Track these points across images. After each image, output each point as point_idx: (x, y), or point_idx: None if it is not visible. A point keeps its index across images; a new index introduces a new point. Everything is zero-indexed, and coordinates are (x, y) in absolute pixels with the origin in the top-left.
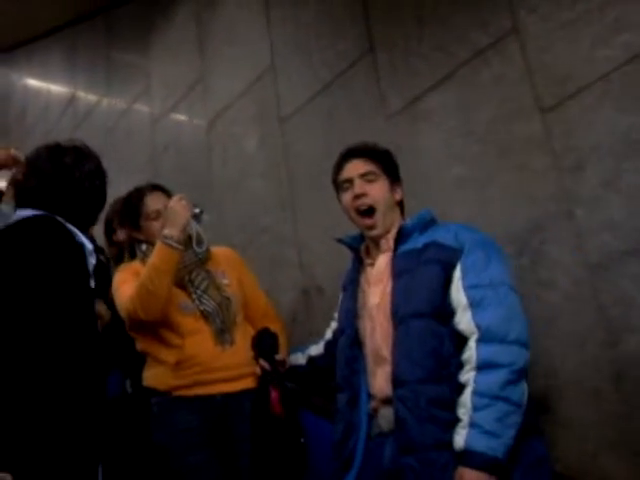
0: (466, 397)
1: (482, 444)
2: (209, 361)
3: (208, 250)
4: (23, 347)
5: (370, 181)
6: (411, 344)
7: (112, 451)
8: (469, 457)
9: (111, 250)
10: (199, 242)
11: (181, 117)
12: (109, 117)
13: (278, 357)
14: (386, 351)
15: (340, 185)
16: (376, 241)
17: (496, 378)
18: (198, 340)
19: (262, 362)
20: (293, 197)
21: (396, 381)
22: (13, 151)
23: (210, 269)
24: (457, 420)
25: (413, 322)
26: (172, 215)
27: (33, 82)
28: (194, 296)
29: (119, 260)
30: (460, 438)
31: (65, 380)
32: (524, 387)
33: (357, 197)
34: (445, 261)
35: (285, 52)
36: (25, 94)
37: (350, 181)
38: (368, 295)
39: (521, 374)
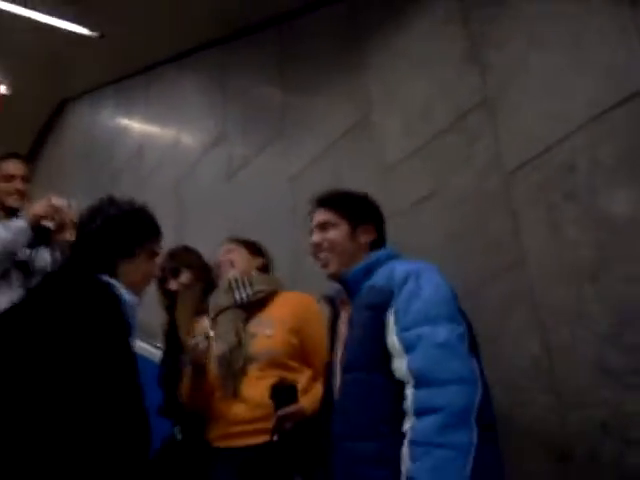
0: (404, 448)
1: None
2: (220, 412)
3: (261, 294)
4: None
5: (325, 229)
6: (344, 400)
7: None
8: None
9: (163, 299)
10: (237, 287)
11: None
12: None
13: (281, 411)
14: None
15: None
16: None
17: (432, 423)
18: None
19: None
20: None
21: (334, 437)
22: (54, 200)
23: (257, 314)
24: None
25: (346, 377)
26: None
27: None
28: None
29: (170, 309)
30: None
31: (113, 439)
32: (468, 427)
33: (314, 246)
34: (377, 305)
35: None
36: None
37: (312, 230)
38: (336, 350)
39: (464, 415)
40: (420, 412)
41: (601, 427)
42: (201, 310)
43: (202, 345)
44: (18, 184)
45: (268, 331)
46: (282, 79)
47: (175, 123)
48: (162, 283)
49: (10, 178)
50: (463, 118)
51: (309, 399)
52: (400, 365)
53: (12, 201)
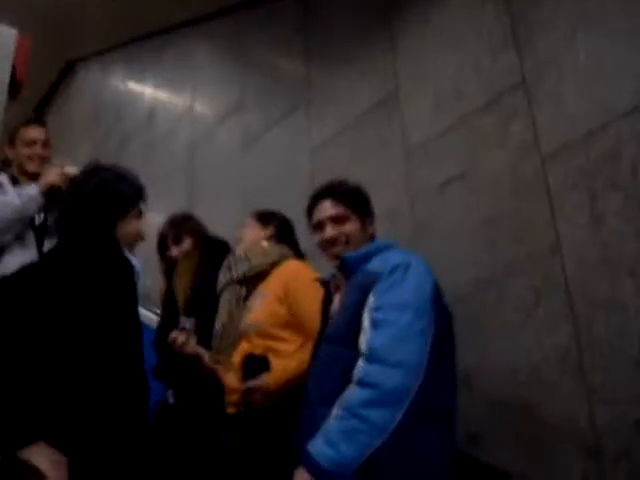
0: (334, 408)
1: (316, 448)
2: (223, 382)
3: (258, 268)
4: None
5: (340, 223)
6: (317, 366)
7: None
8: (305, 457)
9: (162, 264)
10: (235, 263)
11: None
12: None
13: (245, 384)
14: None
15: (314, 227)
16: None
17: (359, 395)
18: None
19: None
20: None
21: (307, 398)
22: (66, 168)
23: (257, 287)
24: None
25: (323, 346)
26: None
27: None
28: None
29: (169, 274)
30: (311, 441)
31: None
32: (392, 412)
33: (329, 240)
34: (365, 286)
35: None
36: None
37: (321, 223)
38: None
39: (391, 397)
40: (358, 382)
41: (635, 424)
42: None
43: (180, 339)
44: (38, 149)
45: (258, 303)
46: (305, 50)
47: (189, 90)
48: (163, 249)
49: (31, 143)
50: (498, 98)
51: (277, 373)
52: (363, 339)
53: (33, 166)
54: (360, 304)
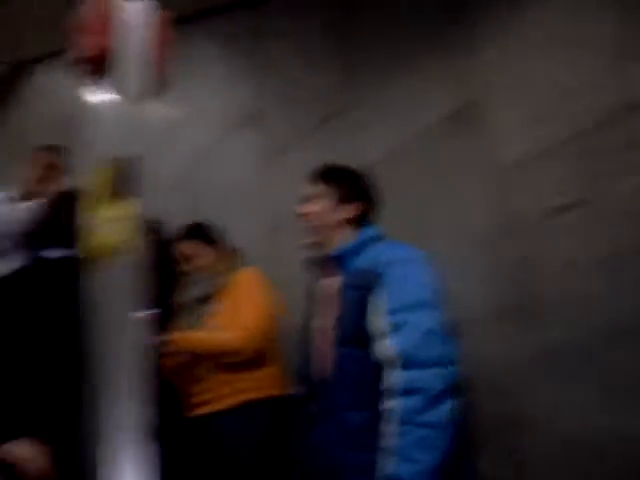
0: (390, 424)
1: (403, 470)
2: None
3: (219, 285)
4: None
5: (309, 202)
6: (340, 373)
7: None
8: None
9: None
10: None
11: None
12: None
13: (162, 336)
14: (324, 374)
15: None
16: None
17: (413, 404)
18: None
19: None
20: None
21: (327, 409)
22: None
23: (214, 303)
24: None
25: (340, 350)
26: None
27: None
28: None
29: None
30: (386, 465)
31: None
32: (446, 407)
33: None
34: (362, 286)
35: None
36: None
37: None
38: (317, 316)
39: (441, 396)
40: (403, 392)
41: None
42: None
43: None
44: (42, 171)
45: (214, 314)
46: (341, 50)
47: (195, 93)
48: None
49: (39, 165)
50: (618, 114)
51: (187, 335)
52: (382, 346)
53: (36, 186)
54: (359, 303)
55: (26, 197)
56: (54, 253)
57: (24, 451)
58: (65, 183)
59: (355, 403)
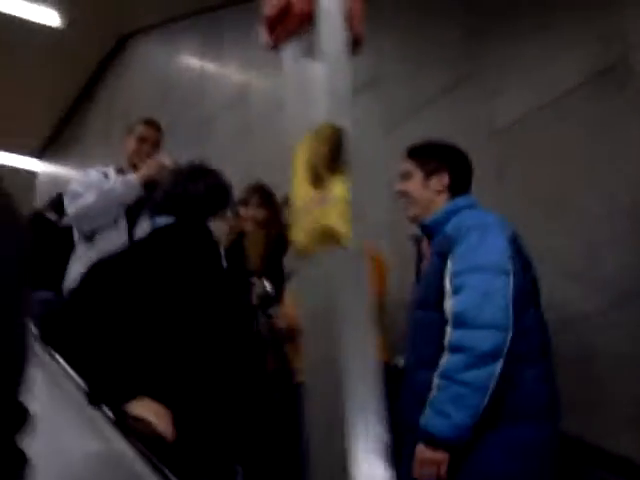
0: (434, 379)
1: (428, 421)
2: None
3: None
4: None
5: (403, 179)
6: (414, 334)
7: None
8: (421, 433)
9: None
10: None
11: None
12: None
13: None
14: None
15: None
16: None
17: (453, 361)
18: None
19: None
20: None
21: (407, 370)
22: (163, 160)
23: None
24: None
25: (417, 313)
26: None
27: None
28: None
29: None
30: (422, 415)
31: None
32: (491, 370)
33: (396, 194)
34: (442, 251)
35: None
36: None
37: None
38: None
39: (485, 357)
40: (450, 349)
41: None
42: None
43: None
44: (147, 147)
45: None
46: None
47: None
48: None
49: (142, 140)
50: None
51: None
52: (447, 305)
53: (138, 160)
54: (439, 269)
55: (125, 169)
56: (162, 221)
57: (146, 412)
58: (162, 156)
59: (420, 361)
